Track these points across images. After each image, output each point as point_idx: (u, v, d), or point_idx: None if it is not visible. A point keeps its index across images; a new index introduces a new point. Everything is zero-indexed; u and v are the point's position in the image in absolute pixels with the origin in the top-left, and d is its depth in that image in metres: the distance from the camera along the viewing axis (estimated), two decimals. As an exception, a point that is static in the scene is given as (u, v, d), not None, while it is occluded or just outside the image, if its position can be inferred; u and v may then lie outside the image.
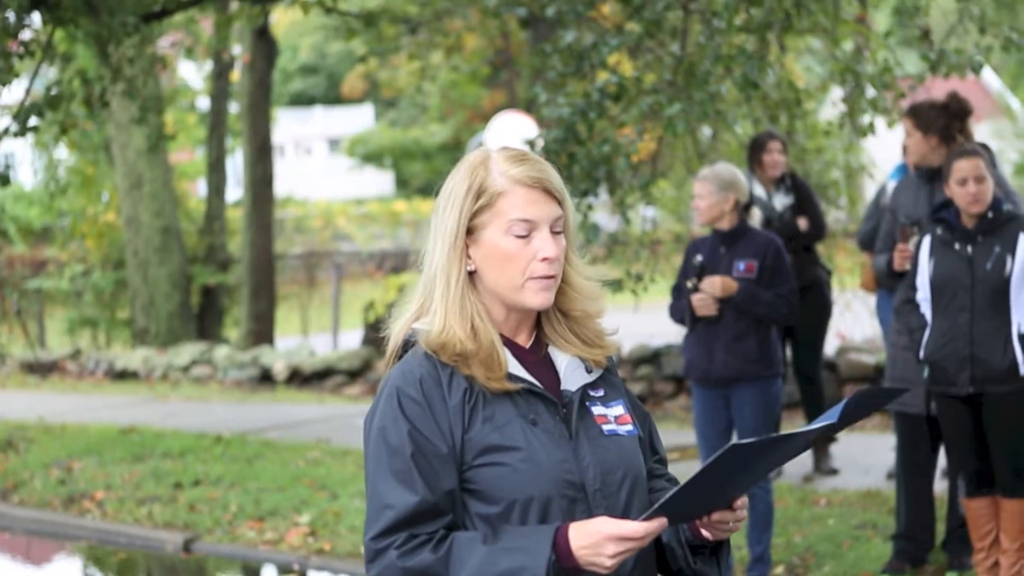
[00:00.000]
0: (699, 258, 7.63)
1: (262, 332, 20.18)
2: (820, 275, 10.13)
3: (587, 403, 3.14)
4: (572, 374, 3.15)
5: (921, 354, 6.99)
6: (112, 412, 15.76)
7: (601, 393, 3.18)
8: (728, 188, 7.61)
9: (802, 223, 9.92)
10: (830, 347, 14.39)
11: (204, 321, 21.41)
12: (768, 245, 7.65)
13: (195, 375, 18.52)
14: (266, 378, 17.85)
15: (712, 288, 7.53)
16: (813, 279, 9.93)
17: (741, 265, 7.59)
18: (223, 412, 15.53)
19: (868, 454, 10.61)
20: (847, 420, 3.06)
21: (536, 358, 3.15)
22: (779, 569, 8.05)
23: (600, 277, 3.23)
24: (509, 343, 3.13)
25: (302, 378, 17.50)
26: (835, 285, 15.65)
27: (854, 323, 15.20)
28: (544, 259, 3.06)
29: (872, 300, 15.06)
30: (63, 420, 15.11)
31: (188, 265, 20.97)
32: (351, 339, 19.71)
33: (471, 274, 3.11)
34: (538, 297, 3.09)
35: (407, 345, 3.15)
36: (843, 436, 11.82)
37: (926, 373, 7.00)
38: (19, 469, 12.71)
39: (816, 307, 9.98)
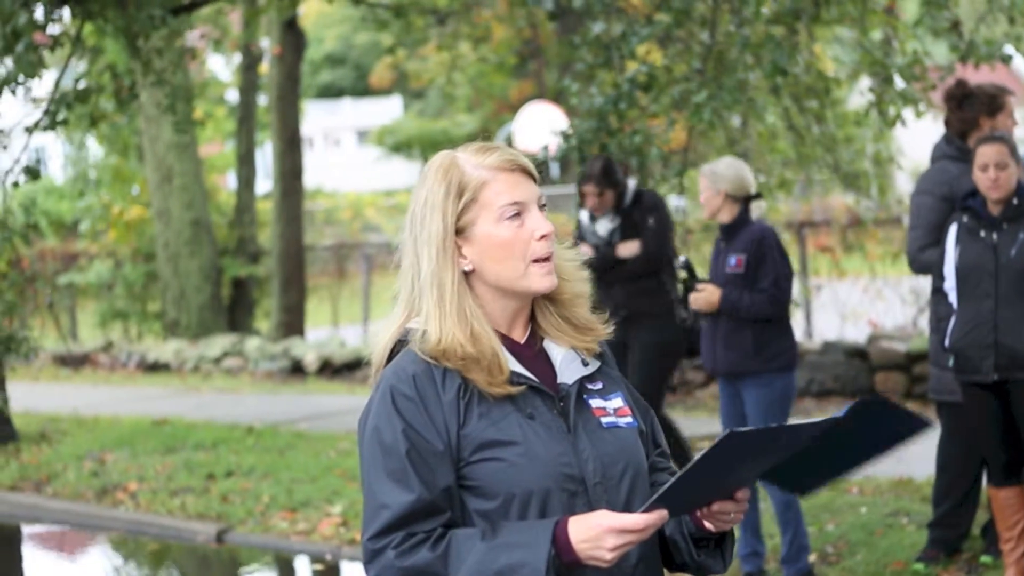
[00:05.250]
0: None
1: (293, 324, 20.23)
2: (663, 306, 9.15)
3: (584, 396, 3.10)
4: (568, 367, 3.10)
5: (946, 342, 6.96)
6: (144, 404, 15.83)
7: (599, 386, 3.14)
8: (718, 181, 7.64)
9: (628, 248, 9.19)
10: (861, 335, 14.38)
11: (235, 313, 21.48)
12: (754, 237, 7.62)
13: (226, 367, 18.58)
14: (297, 369, 17.90)
15: (698, 304, 7.64)
16: (653, 311, 9.15)
17: (732, 260, 7.61)
18: (254, 403, 15.58)
19: (900, 442, 10.58)
20: (876, 444, 3.00)
21: (532, 352, 3.11)
22: (812, 557, 8.04)
23: (578, 258, 3.19)
24: (504, 339, 3.08)
25: (333, 369, 17.54)
26: (867, 273, 15.65)
27: (885, 311, 15.16)
28: (542, 237, 3.04)
29: (902, 287, 15.06)
30: (96, 412, 15.19)
31: (218, 257, 21.03)
32: (381, 330, 19.66)
33: (467, 274, 3.07)
34: (544, 281, 3.06)
35: (399, 346, 3.09)
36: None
37: (951, 362, 6.97)
38: (52, 461, 12.77)
39: (658, 339, 9.19)
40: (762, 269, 7.55)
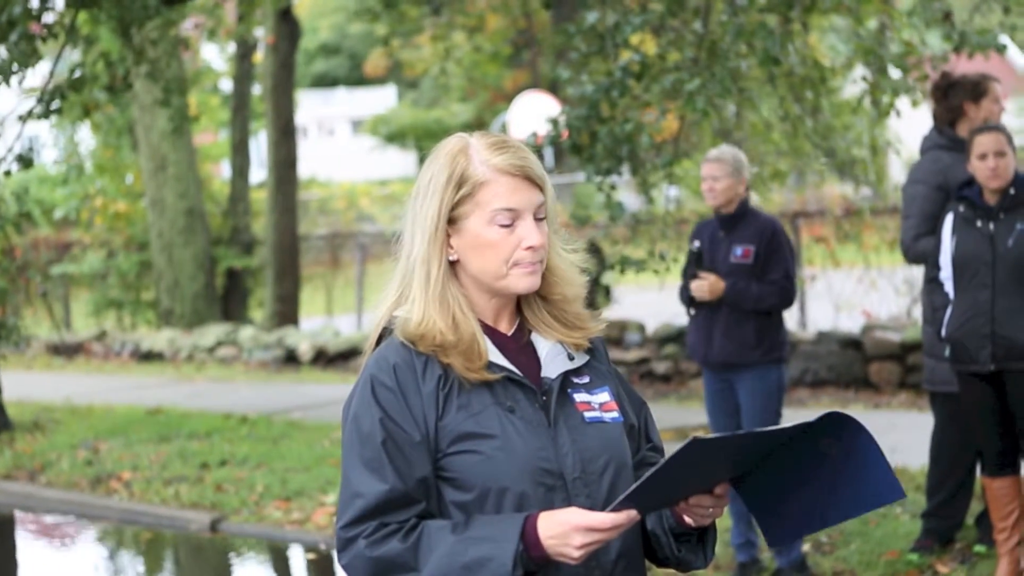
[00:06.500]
0: (696, 244, 7.61)
1: (287, 313, 20.23)
2: None
3: (569, 390, 3.08)
4: (553, 361, 3.09)
5: (943, 332, 6.96)
6: (138, 393, 15.82)
7: (586, 380, 3.12)
8: (742, 170, 7.61)
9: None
10: (856, 325, 14.39)
11: (229, 302, 21.48)
12: (765, 228, 7.58)
13: (220, 356, 18.57)
14: (291, 359, 17.90)
15: (701, 292, 7.53)
16: None
17: (738, 250, 7.54)
18: (249, 393, 15.58)
19: (893, 431, 10.60)
20: (851, 495, 2.97)
21: (518, 345, 3.09)
22: (806, 547, 8.04)
23: (581, 261, 3.18)
24: (490, 330, 3.08)
25: (327, 359, 17.54)
26: (861, 263, 15.67)
27: (880, 302, 15.17)
28: (529, 247, 3.01)
29: (896, 278, 15.07)
30: (90, 401, 15.18)
31: (212, 247, 21.03)
32: (375, 320, 19.68)
33: (452, 263, 3.06)
34: (524, 281, 3.04)
35: (386, 332, 3.10)
36: (868, 414, 11.82)
37: (948, 351, 6.97)
38: (46, 450, 12.77)
39: None
40: (773, 261, 7.51)
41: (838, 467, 2.96)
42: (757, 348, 7.51)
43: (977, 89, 7.57)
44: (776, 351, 7.58)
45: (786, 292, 7.53)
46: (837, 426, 2.91)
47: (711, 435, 2.78)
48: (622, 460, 3.08)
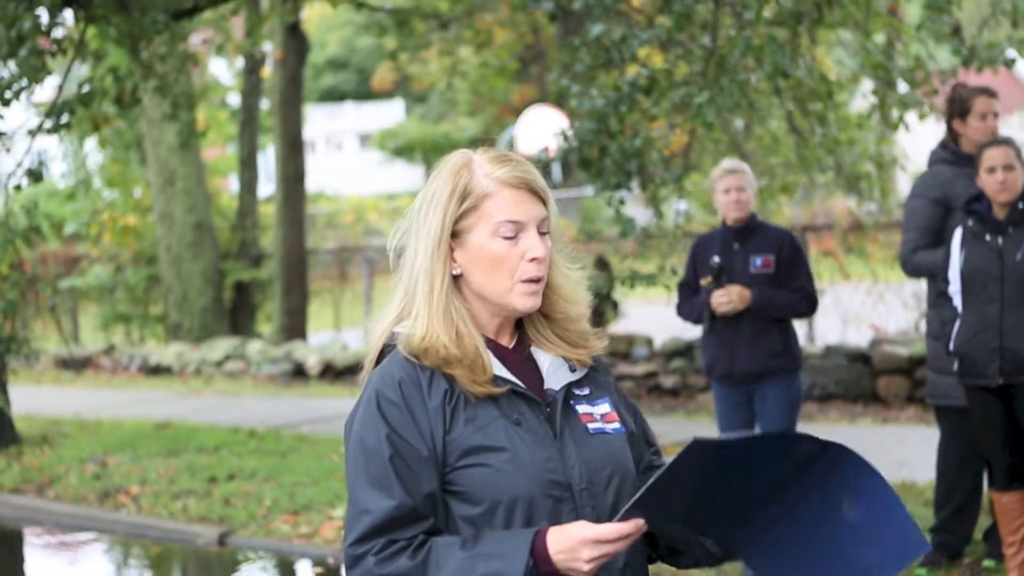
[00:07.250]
0: (716, 259, 7.60)
1: (295, 327, 20.25)
2: None
3: (572, 402, 3.08)
4: (555, 373, 3.09)
5: (951, 346, 6.96)
6: (146, 407, 15.83)
7: (587, 392, 3.12)
8: (753, 182, 7.70)
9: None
10: (864, 339, 14.38)
11: (237, 316, 21.49)
12: (783, 238, 7.63)
13: (228, 370, 18.58)
14: (299, 372, 17.91)
15: (729, 304, 7.52)
16: None
17: (758, 261, 7.56)
18: (256, 406, 15.58)
19: (902, 446, 10.59)
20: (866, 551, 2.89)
21: (519, 358, 3.10)
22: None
23: (585, 279, 3.18)
24: (491, 344, 3.08)
25: (335, 372, 17.55)
26: (869, 276, 15.66)
27: (888, 315, 15.16)
28: (532, 259, 3.02)
29: (904, 291, 15.06)
30: (98, 415, 15.19)
31: (221, 260, 21.04)
32: (383, 334, 19.68)
33: (456, 277, 3.06)
34: (527, 301, 3.04)
35: (388, 348, 3.09)
36: (876, 428, 11.80)
37: (956, 365, 6.97)
38: (54, 464, 12.78)
39: None
40: (796, 268, 7.57)
41: (858, 527, 2.90)
42: (784, 356, 7.55)
43: (964, 105, 7.57)
44: (799, 358, 7.68)
45: (812, 298, 7.64)
46: (850, 466, 2.84)
47: (712, 437, 2.76)
48: (626, 471, 3.09)
